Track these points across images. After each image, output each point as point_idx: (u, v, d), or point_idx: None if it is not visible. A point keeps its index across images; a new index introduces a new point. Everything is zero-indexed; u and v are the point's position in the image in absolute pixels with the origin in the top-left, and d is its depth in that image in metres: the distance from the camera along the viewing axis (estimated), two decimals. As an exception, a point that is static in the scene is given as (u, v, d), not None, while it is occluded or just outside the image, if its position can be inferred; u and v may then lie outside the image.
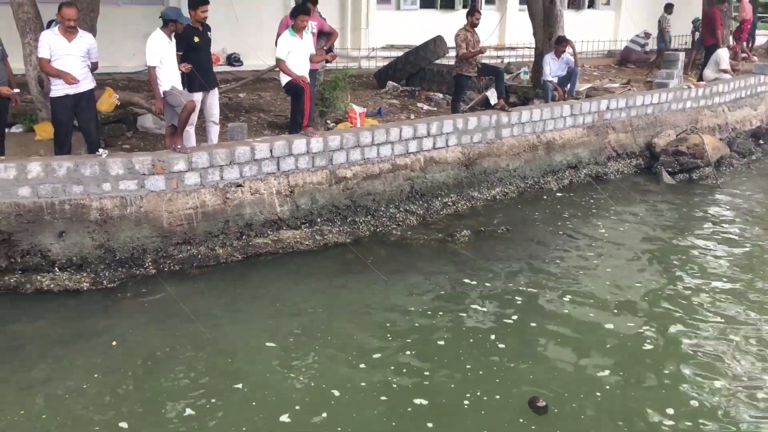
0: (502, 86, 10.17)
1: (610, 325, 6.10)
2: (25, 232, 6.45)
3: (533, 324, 6.12)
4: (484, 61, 10.47)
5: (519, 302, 6.53)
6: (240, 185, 7.26)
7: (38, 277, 6.45)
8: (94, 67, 7.18)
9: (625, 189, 10.05)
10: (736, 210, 9.40)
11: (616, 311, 6.38)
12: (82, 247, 6.59)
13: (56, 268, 6.51)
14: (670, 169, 10.66)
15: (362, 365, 5.42)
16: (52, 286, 6.44)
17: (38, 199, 6.47)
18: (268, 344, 5.68)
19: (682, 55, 13.21)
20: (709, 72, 13.21)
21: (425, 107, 11.56)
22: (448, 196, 8.80)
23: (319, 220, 7.72)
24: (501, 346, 5.72)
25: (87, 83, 7.03)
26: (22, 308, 6.22)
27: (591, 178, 10.26)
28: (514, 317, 6.23)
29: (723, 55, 13.23)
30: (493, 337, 5.86)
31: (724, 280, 7.06)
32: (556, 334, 5.95)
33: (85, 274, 6.55)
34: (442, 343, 5.77)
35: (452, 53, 10.83)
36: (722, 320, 6.21)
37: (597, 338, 5.93)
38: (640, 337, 5.92)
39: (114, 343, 5.66)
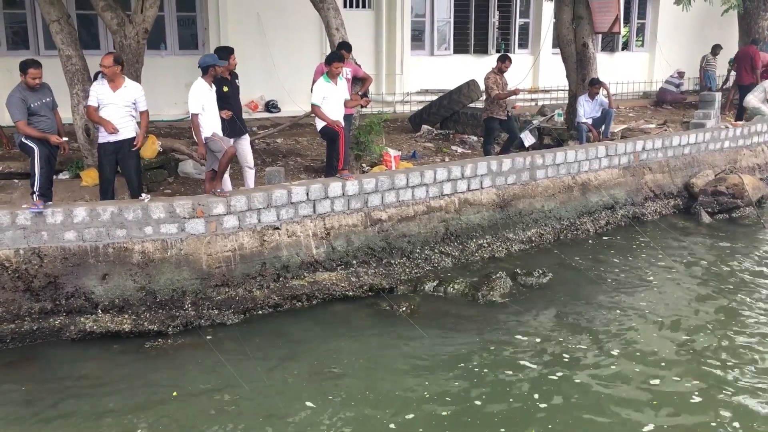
0: (508, 147, 10.51)
1: (655, 381, 5.92)
2: (70, 275, 6.64)
3: (577, 380, 5.93)
4: (507, 111, 10.58)
5: (564, 357, 6.34)
6: (277, 228, 7.38)
7: (82, 319, 6.61)
8: (144, 118, 7.29)
9: (664, 230, 9.93)
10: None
11: (663, 364, 6.19)
12: (124, 290, 6.74)
13: (99, 310, 6.66)
14: (709, 209, 10.52)
15: (394, 425, 5.34)
16: (94, 327, 6.59)
17: (83, 242, 6.68)
18: (307, 403, 5.61)
19: (718, 95, 13.13)
20: (753, 98, 12.99)
21: (459, 150, 11.66)
22: (483, 237, 8.80)
23: (354, 262, 7.78)
24: (542, 405, 5.56)
25: (128, 131, 7.23)
26: (70, 354, 6.39)
27: (628, 218, 10.17)
28: (559, 373, 6.03)
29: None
30: (536, 396, 5.69)
31: None
32: (602, 392, 5.76)
33: (126, 316, 6.69)
34: (479, 403, 5.62)
35: (484, 97, 10.96)
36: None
37: (643, 394, 5.74)
38: (688, 392, 5.75)
39: (174, 393, 5.73)
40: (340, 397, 5.74)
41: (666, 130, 12.73)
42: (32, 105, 6.77)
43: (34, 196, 6.67)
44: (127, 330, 6.62)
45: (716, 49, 16.63)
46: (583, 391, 5.79)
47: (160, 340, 6.62)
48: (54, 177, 7.40)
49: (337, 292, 7.53)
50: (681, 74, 16.74)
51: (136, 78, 8.18)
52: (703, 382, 5.90)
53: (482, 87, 10.96)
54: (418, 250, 8.24)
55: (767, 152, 12.48)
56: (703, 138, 11.38)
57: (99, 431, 5.25)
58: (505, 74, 10.33)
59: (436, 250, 8.38)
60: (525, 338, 6.74)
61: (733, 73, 16.24)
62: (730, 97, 15.69)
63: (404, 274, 7.97)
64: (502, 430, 5.27)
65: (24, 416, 5.44)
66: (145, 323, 6.69)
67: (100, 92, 7.09)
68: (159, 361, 6.32)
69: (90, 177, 8.28)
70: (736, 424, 5.25)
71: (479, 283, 7.96)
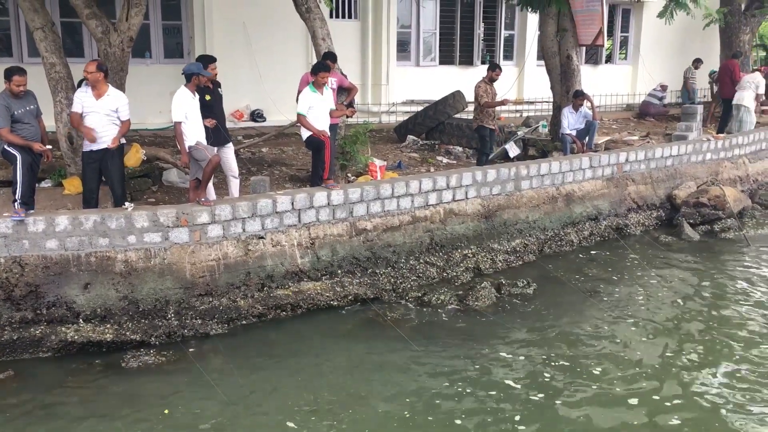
0: (483, 161, 10.52)
1: (634, 400, 5.87)
2: (52, 284, 6.57)
3: (558, 402, 5.84)
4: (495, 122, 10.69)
5: (546, 377, 6.24)
6: (262, 237, 7.36)
7: (63, 329, 6.53)
8: (124, 127, 7.22)
9: (649, 243, 9.99)
10: (765, 266, 9.20)
11: (644, 384, 6.14)
12: (107, 299, 6.68)
13: (80, 320, 6.59)
14: (691, 221, 10.61)
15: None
16: (76, 337, 6.51)
17: (65, 251, 6.61)
18: (288, 424, 5.49)
19: (700, 108, 13.28)
20: (747, 96, 13.21)
21: (445, 160, 11.70)
22: (468, 247, 8.81)
23: (339, 271, 7.77)
24: (521, 428, 5.48)
25: (110, 140, 7.17)
26: (50, 370, 6.30)
27: (612, 229, 10.23)
28: (540, 395, 5.94)
29: (761, 80, 13.32)
30: (517, 418, 5.60)
31: (761, 349, 6.77)
32: (581, 415, 5.67)
33: (108, 326, 6.62)
34: (459, 422, 5.54)
35: (471, 108, 11.02)
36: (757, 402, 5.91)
37: (623, 416, 5.67)
38: (669, 412, 5.71)
39: (166, 411, 5.64)
40: (322, 415, 5.64)
41: (649, 142, 12.86)
42: (16, 112, 6.72)
43: (16, 204, 6.61)
44: (108, 340, 6.55)
45: (697, 63, 16.90)
46: (561, 412, 5.71)
47: (142, 350, 6.55)
48: (36, 185, 7.35)
49: (321, 302, 7.52)
50: (664, 87, 16.96)
51: (121, 86, 8.14)
52: (685, 401, 5.88)
53: (468, 98, 11.02)
54: (403, 260, 8.24)
55: (748, 165, 12.62)
56: (686, 150, 11.50)
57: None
58: (496, 83, 10.48)
59: (421, 260, 8.38)
60: (509, 354, 6.69)
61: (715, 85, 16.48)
62: (712, 110, 15.89)
63: (389, 284, 7.97)
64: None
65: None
66: (128, 333, 6.63)
67: (83, 99, 7.07)
68: (142, 377, 6.23)
69: (73, 185, 8.22)
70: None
71: (464, 293, 7.98)
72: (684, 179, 11.36)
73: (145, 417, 5.58)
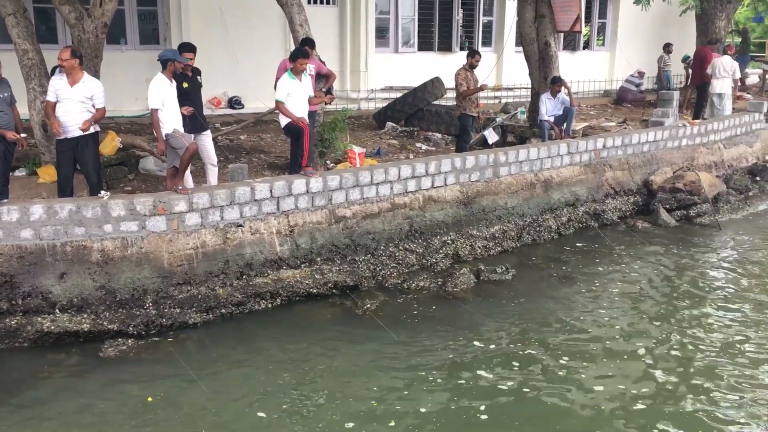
0: (464, 149, 10.43)
1: (600, 387, 5.91)
2: (27, 274, 6.50)
3: (526, 389, 5.85)
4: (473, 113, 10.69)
5: (515, 365, 6.27)
6: (240, 225, 7.32)
7: (39, 319, 6.47)
8: (99, 114, 7.14)
9: (625, 229, 10.09)
10: (737, 253, 9.33)
11: (611, 373, 6.17)
12: (83, 289, 6.62)
13: (57, 310, 6.53)
14: (667, 206, 10.72)
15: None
16: (52, 327, 6.45)
17: (40, 241, 6.54)
18: (259, 414, 5.48)
19: (676, 94, 13.40)
20: (726, 85, 13.48)
21: (424, 147, 11.70)
22: (447, 234, 8.84)
23: (318, 259, 7.76)
24: (484, 417, 5.48)
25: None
26: (26, 361, 6.25)
27: (589, 215, 10.31)
28: (510, 383, 5.96)
29: (736, 66, 13.50)
30: (482, 408, 5.59)
31: (730, 334, 6.86)
32: (547, 407, 5.67)
33: (85, 316, 6.57)
34: (424, 410, 5.54)
35: (450, 94, 11.00)
36: (728, 383, 5.99)
37: (590, 404, 5.71)
38: (635, 399, 5.75)
39: (150, 399, 5.63)
40: (294, 406, 5.63)
41: (626, 128, 12.95)
42: (-12, 100, 6.61)
43: (-11, 193, 6.52)
44: (86, 330, 6.50)
45: (669, 47, 17.01)
46: (527, 404, 5.72)
47: (120, 339, 6.51)
48: (10, 174, 7.24)
49: (301, 290, 7.51)
50: (641, 74, 17.06)
51: (95, 73, 8.03)
52: (650, 390, 5.91)
53: (448, 84, 11.02)
54: (382, 247, 8.25)
55: (723, 150, 12.77)
56: (662, 136, 11.60)
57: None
58: (475, 70, 10.48)
59: (400, 247, 8.40)
60: (483, 344, 6.70)
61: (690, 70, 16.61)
62: (688, 96, 16.03)
63: (368, 272, 7.98)
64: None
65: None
66: (105, 323, 6.57)
67: (57, 87, 6.96)
68: (121, 366, 6.20)
69: (47, 174, 8.12)
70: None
71: (443, 279, 8.01)
72: (660, 165, 11.47)
73: (126, 406, 5.55)
